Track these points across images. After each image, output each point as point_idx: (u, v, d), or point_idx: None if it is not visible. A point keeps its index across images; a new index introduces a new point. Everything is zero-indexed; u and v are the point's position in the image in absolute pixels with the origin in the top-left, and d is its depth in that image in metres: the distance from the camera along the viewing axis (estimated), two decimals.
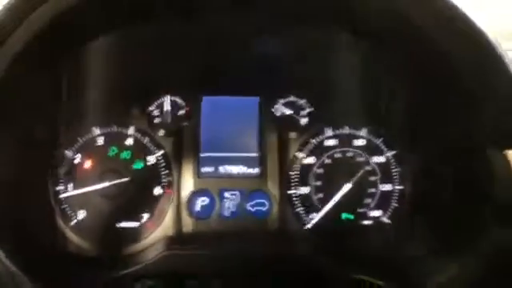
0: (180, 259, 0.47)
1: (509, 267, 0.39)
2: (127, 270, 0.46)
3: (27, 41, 0.37)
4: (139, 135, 0.53)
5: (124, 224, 0.52)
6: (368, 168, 0.53)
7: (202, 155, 0.53)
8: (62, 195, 0.51)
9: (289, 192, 0.53)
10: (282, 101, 0.55)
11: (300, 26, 0.51)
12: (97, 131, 0.53)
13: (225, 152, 0.53)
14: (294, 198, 0.53)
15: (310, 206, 0.53)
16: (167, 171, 0.52)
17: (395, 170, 0.54)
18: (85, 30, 0.47)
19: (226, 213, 0.52)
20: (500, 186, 0.40)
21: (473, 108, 0.40)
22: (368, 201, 0.53)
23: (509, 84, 0.37)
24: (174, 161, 0.52)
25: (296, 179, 0.53)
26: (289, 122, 0.54)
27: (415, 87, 0.50)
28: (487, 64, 0.37)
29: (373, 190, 0.53)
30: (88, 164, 0.52)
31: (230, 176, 0.53)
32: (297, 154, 0.54)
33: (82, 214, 0.52)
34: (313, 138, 0.54)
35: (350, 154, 0.54)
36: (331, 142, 0.54)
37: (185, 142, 0.53)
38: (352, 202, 0.53)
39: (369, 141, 0.54)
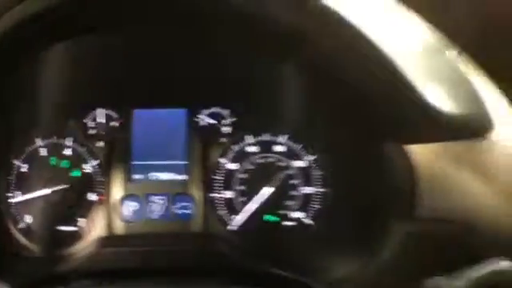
0: (111, 257, 0.53)
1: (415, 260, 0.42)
2: (65, 268, 0.52)
3: None
4: (76, 146, 0.58)
5: (63, 227, 0.57)
6: (289, 172, 0.57)
7: (133, 163, 0.57)
8: (11, 200, 0.57)
9: (212, 195, 0.57)
10: (206, 111, 0.59)
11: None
12: (39, 142, 0.58)
13: (154, 160, 0.58)
14: (218, 201, 0.57)
15: (234, 208, 0.57)
16: (102, 179, 0.57)
17: (316, 174, 0.57)
18: (28, 45, 0.51)
19: (155, 215, 0.56)
20: (402, 182, 0.42)
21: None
22: (290, 203, 0.57)
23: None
24: (108, 169, 0.57)
25: (219, 184, 0.57)
26: (212, 131, 0.58)
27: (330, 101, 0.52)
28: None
29: (294, 192, 0.57)
30: (33, 172, 0.57)
31: (158, 182, 0.57)
32: (220, 160, 0.58)
33: (28, 218, 0.57)
34: (235, 145, 0.58)
35: (271, 160, 0.57)
36: (253, 149, 0.58)
37: (118, 152, 0.58)
38: (274, 204, 0.57)
39: (289, 146, 0.58)
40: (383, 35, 0.40)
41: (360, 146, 0.49)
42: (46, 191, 0.56)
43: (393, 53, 0.39)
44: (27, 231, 0.57)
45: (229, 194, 0.57)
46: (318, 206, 0.57)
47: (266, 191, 0.56)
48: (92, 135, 0.58)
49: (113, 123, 0.59)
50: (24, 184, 0.57)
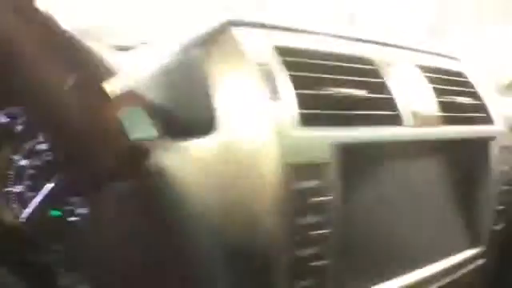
0: None
1: None
2: None
3: None
4: None
5: None
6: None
7: None
8: None
9: (6, 190, 0.61)
10: (2, 111, 0.62)
11: None
12: None
13: None
14: (11, 195, 0.61)
15: (24, 202, 0.60)
16: None
17: None
18: None
19: None
20: None
21: None
22: (75, 199, 0.59)
23: None
24: None
25: (12, 179, 0.61)
26: (6, 130, 0.61)
27: None
28: None
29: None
30: None
31: None
32: (13, 156, 0.61)
33: None
34: (26, 143, 0.61)
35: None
36: (42, 146, 0.61)
37: None
38: (58, 199, 0.59)
39: None
40: None
41: None
42: None
43: None
44: None
45: (19, 189, 0.61)
46: None
47: (49, 187, 0.59)
48: None
49: None
50: None
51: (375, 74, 0.63)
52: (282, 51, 0.51)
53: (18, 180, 0.61)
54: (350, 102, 0.57)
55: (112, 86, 0.43)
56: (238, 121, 0.47)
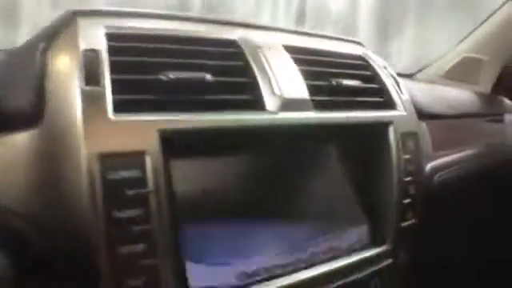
0: None
1: None
2: None
3: None
4: None
5: None
6: None
7: None
8: None
9: None
10: None
11: None
12: None
13: None
14: None
15: None
16: None
17: None
18: None
19: None
20: None
21: None
22: None
23: None
24: None
25: None
26: None
27: None
28: None
29: None
30: None
31: None
32: None
33: None
34: None
35: None
36: None
37: None
38: None
39: None
40: None
41: None
42: None
43: None
44: None
45: None
46: None
47: None
48: None
49: None
50: None
51: (236, 57, 0.58)
52: (112, 37, 0.49)
53: None
54: (197, 87, 0.52)
55: None
56: (58, 111, 0.44)
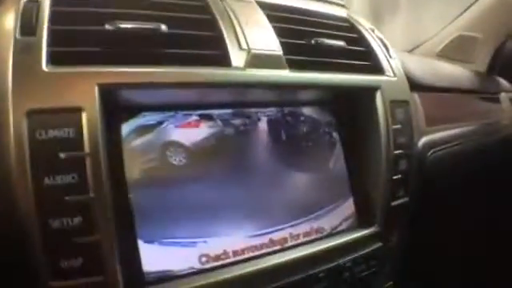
0: None
1: None
2: None
3: None
4: None
5: None
6: None
7: None
8: None
9: None
10: None
11: None
12: None
13: None
14: None
15: None
16: None
17: None
18: None
19: None
20: None
21: None
22: None
23: None
24: None
25: None
26: None
27: None
28: None
29: None
30: None
31: None
32: None
33: None
34: None
35: None
36: None
37: None
38: None
39: None
40: None
41: None
42: None
43: None
44: None
45: None
46: None
47: None
48: None
49: None
50: None
51: (198, 9, 0.51)
52: None
53: None
54: (150, 40, 0.46)
55: None
56: None
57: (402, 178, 0.62)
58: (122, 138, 0.45)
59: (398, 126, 0.61)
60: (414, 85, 0.72)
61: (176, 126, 0.48)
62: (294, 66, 0.52)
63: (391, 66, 0.64)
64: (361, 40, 0.64)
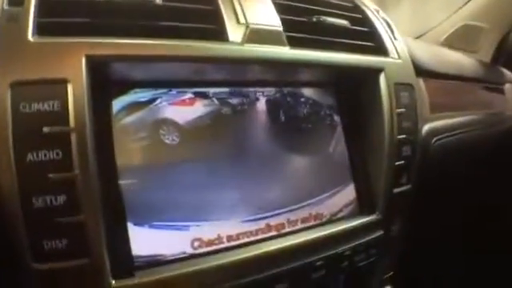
0: None
1: None
2: None
3: None
4: None
5: None
6: None
7: None
8: None
9: None
10: None
11: None
12: None
13: None
14: None
15: None
16: None
17: None
18: None
19: None
20: None
21: None
22: None
23: None
24: None
25: None
26: None
27: None
28: None
29: None
30: None
31: None
32: None
33: None
34: None
35: None
36: None
37: None
38: None
39: None
40: None
41: None
42: None
43: None
44: None
45: None
46: None
47: None
48: None
49: None
50: None
51: None
52: None
53: None
54: (143, 12, 0.43)
55: None
56: None
57: (405, 165, 0.60)
58: (112, 114, 0.42)
59: (403, 110, 0.59)
60: (419, 70, 0.70)
61: (170, 104, 0.46)
62: (294, 43, 0.50)
63: (396, 48, 0.62)
64: (365, 20, 0.62)
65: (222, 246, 0.45)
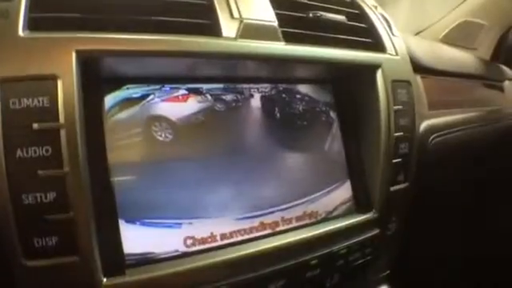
0: None
1: None
2: None
3: None
4: None
5: None
6: None
7: None
8: None
9: None
10: None
11: None
12: None
13: None
14: None
15: None
16: None
17: None
18: None
19: None
20: None
21: None
22: None
23: None
24: None
25: None
26: None
27: None
28: None
29: None
30: None
31: None
32: None
33: None
34: None
35: None
36: None
37: None
38: None
39: None
40: None
41: None
42: None
43: None
44: None
45: None
46: None
47: None
48: None
49: None
50: None
51: None
52: None
53: None
54: (135, 7, 0.43)
55: None
56: None
57: (403, 162, 0.59)
58: (103, 110, 0.42)
59: (400, 107, 0.58)
60: (417, 67, 0.69)
61: (162, 100, 0.45)
62: (289, 38, 0.49)
63: (394, 45, 0.61)
64: (362, 16, 0.61)
65: (215, 244, 0.45)
